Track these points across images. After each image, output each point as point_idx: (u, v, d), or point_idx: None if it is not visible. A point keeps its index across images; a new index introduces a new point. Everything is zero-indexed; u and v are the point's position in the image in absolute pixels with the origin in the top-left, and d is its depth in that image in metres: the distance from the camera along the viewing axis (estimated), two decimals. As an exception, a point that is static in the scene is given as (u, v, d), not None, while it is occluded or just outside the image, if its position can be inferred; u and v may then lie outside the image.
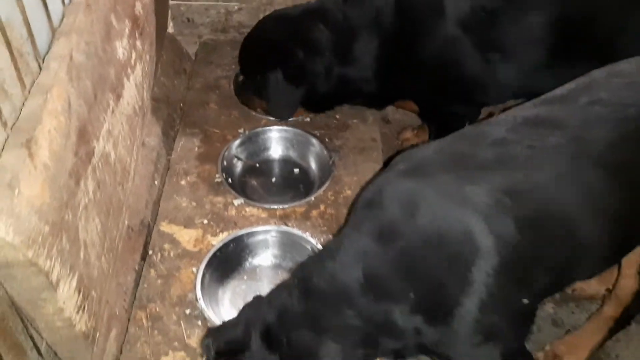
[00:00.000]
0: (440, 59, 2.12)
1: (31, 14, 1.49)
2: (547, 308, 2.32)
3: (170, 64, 2.55)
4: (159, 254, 1.93)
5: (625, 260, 1.80)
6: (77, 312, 1.43)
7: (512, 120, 1.43)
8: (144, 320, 1.78)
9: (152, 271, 1.89)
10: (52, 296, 1.33)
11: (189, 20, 2.78)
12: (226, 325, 1.44)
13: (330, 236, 1.99)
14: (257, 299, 1.44)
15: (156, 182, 2.20)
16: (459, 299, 1.27)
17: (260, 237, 2.02)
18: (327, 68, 2.18)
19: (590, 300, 2.29)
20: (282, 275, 1.97)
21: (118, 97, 1.82)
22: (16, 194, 1.23)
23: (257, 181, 2.30)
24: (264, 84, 2.23)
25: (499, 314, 1.33)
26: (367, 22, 2.16)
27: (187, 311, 1.80)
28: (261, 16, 2.42)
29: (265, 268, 2.02)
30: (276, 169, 2.36)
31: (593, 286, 2.28)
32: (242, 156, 2.33)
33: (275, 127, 2.36)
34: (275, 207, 2.09)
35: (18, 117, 1.38)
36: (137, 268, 1.95)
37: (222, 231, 2.01)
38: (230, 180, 2.21)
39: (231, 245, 1.97)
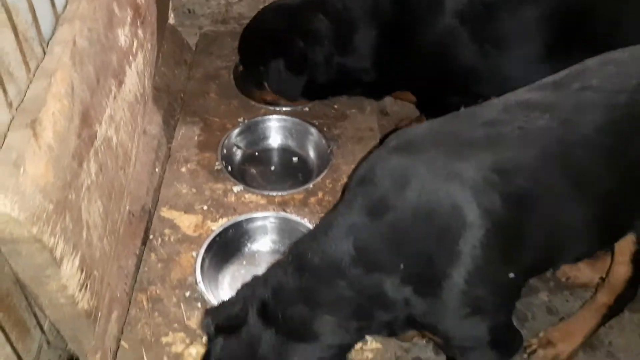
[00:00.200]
0: (437, 50, 2.15)
1: (36, 0, 1.52)
2: (542, 296, 2.35)
3: (171, 54, 2.58)
4: (160, 239, 1.97)
5: (618, 248, 1.83)
6: (80, 290, 1.47)
7: (505, 103, 1.48)
8: (145, 303, 1.81)
9: (153, 255, 1.93)
10: (55, 273, 1.36)
11: (189, 11, 2.81)
12: (224, 303, 1.48)
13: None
14: (255, 278, 1.48)
15: (157, 170, 2.23)
16: (446, 270, 1.31)
17: (259, 223, 2.05)
18: (326, 57, 2.21)
19: (584, 288, 2.32)
20: (281, 261, 2.00)
21: (120, 83, 1.86)
22: (21, 173, 1.26)
23: (256, 169, 2.33)
24: (266, 74, 2.25)
25: (486, 287, 1.37)
26: (366, 13, 2.19)
27: (187, 294, 1.83)
28: (261, 7, 2.44)
29: (263, 253, 2.05)
30: (275, 157, 2.39)
31: (587, 274, 2.31)
32: (242, 145, 2.36)
33: (275, 117, 2.39)
34: (274, 194, 2.12)
35: (23, 99, 1.42)
36: (137, 252, 1.98)
37: (221, 217, 2.04)
38: (229, 168, 2.24)
39: (230, 230, 2.01)
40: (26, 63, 1.46)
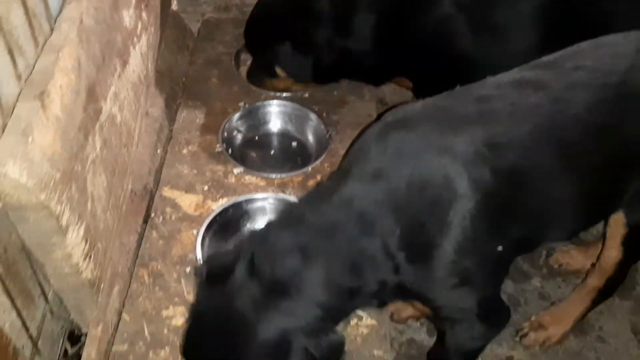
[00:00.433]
0: (434, 37, 2.18)
1: (44, -23, 1.56)
2: (535, 282, 2.39)
3: (174, 40, 2.62)
4: (161, 217, 2.01)
5: (609, 231, 1.86)
6: (84, 259, 1.51)
7: (498, 81, 1.52)
8: (146, 277, 1.85)
9: (154, 232, 1.97)
10: (61, 241, 1.40)
11: (192, -2, 2.85)
12: (220, 253, 1.50)
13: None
14: (252, 232, 1.50)
15: (158, 151, 2.27)
16: (437, 240, 1.35)
17: (258, 204, 2.09)
18: (329, 40, 2.24)
19: (576, 275, 2.36)
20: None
21: (124, 63, 1.90)
22: (30, 141, 1.30)
23: (256, 153, 2.37)
24: (277, 59, 2.29)
25: (475, 258, 1.41)
26: None
27: (188, 269, 1.87)
28: (263, -5, 2.48)
29: (262, 233, 2.09)
30: (275, 142, 2.42)
31: (579, 261, 2.35)
32: (242, 129, 2.39)
33: (275, 102, 2.43)
34: (274, 176, 2.16)
35: (31, 73, 1.46)
36: (139, 230, 2.02)
37: (222, 197, 2.08)
38: (230, 151, 2.28)
39: (230, 210, 2.05)
40: (34, 38, 1.50)
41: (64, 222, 1.38)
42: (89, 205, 1.54)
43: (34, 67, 1.47)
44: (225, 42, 2.69)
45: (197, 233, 1.95)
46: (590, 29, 2.09)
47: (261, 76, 2.47)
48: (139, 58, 2.05)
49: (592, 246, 2.28)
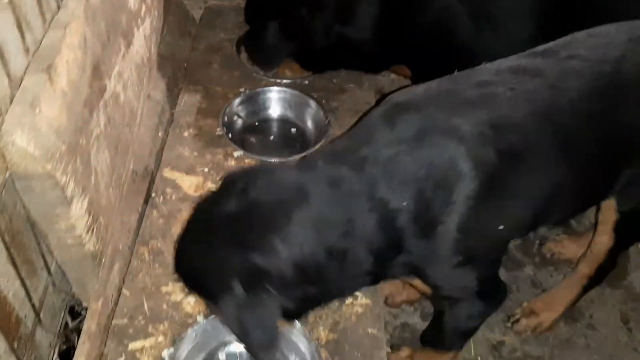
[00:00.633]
0: (434, 25, 2.22)
1: (52, -46, 1.59)
2: (527, 270, 2.44)
3: (176, 26, 2.65)
4: (161, 197, 2.04)
5: (601, 217, 1.90)
6: (87, 232, 1.54)
7: (497, 67, 1.56)
8: (146, 255, 1.88)
9: (155, 212, 2.00)
10: (65, 212, 1.43)
11: (195, -16, 2.88)
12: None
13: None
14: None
15: (160, 134, 2.30)
16: (442, 217, 1.39)
17: (257, 185, 2.12)
18: (327, 26, 2.28)
19: (568, 263, 2.40)
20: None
21: (128, 43, 1.93)
22: (37, 112, 1.33)
23: (256, 139, 2.40)
24: (259, 32, 2.32)
25: (477, 237, 1.44)
26: None
27: (187, 248, 1.90)
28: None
29: (261, 215, 2.12)
30: (274, 128, 2.45)
31: (571, 250, 2.39)
32: (242, 114, 2.43)
33: (275, 88, 2.46)
34: (273, 159, 2.19)
35: (39, 47, 1.49)
36: (140, 210, 2.04)
37: (221, 179, 2.11)
38: (230, 136, 2.30)
39: (230, 191, 2.07)
40: (42, 14, 1.53)
41: (68, 192, 1.41)
42: (92, 179, 1.57)
43: (41, 42, 1.50)
44: (226, 28, 2.73)
45: (197, 213, 1.98)
46: (586, 19, 2.14)
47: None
48: (143, 40, 2.08)
49: (584, 236, 2.32)
